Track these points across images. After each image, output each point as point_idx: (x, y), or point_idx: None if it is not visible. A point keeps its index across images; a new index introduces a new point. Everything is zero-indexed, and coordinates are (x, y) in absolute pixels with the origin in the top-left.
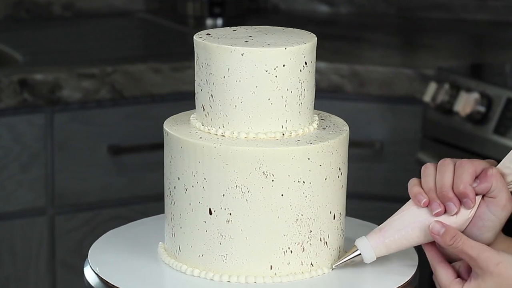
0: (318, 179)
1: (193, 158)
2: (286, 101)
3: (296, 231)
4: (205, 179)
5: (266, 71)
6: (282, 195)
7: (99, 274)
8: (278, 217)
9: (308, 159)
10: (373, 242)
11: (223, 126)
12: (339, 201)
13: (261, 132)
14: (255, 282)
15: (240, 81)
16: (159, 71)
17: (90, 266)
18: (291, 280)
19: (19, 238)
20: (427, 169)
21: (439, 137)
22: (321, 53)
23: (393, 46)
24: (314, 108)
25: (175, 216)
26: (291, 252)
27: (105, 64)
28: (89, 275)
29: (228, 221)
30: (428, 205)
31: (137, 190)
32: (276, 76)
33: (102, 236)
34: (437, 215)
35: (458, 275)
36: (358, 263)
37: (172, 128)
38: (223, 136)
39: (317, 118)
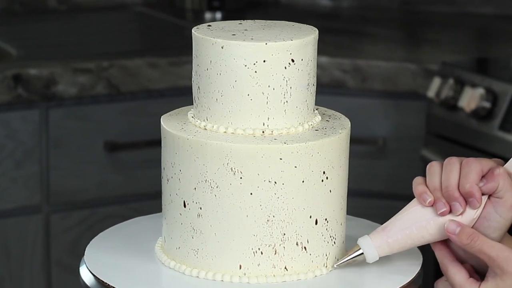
0: (292, 181)
1: (172, 149)
2: (267, 98)
3: (267, 232)
4: (180, 171)
5: (245, 65)
6: (251, 193)
7: (95, 274)
8: (247, 216)
9: (280, 159)
10: (376, 242)
11: (207, 119)
12: (323, 206)
13: (240, 127)
14: (222, 280)
15: (220, 74)
16: (156, 66)
17: (86, 266)
18: (259, 282)
19: (13, 237)
20: (433, 168)
21: (443, 134)
22: (323, 48)
23: (396, 41)
24: (316, 105)
25: (163, 207)
26: (262, 253)
27: (101, 59)
28: (85, 274)
29: (199, 215)
30: (433, 205)
31: (134, 188)
32: (255, 72)
33: (99, 235)
34: (442, 214)
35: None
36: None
37: (166, 118)
38: (205, 129)
39: (318, 118)
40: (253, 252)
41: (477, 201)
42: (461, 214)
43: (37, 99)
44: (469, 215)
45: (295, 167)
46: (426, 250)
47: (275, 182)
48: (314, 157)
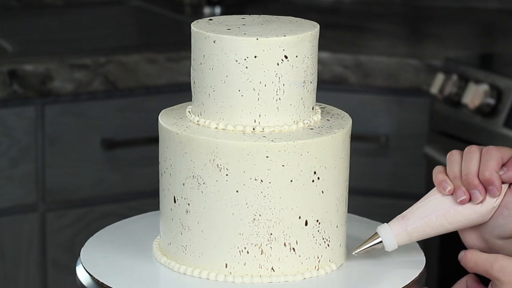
0: (280, 180)
1: (164, 144)
2: (259, 94)
3: (253, 231)
4: (171, 165)
5: (236, 61)
6: (237, 191)
7: (92, 274)
8: (233, 214)
9: (267, 157)
10: (395, 230)
11: (200, 114)
12: (314, 207)
13: (231, 124)
14: (207, 278)
15: (212, 69)
16: (154, 62)
17: (83, 265)
18: (244, 282)
19: (9, 236)
20: (453, 156)
21: (447, 131)
22: (324, 43)
23: (399, 36)
24: (317, 101)
25: (159, 202)
26: (248, 252)
27: (98, 55)
28: (82, 274)
29: (187, 211)
30: (453, 193)
31: (132, 186)
32: (246, 67)
33: (95, 234)
34: (461, 203)
35: None
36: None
37: (164, 112)
38: (198, 124)
39: (317, 117)
40: (239, 251)
41: (497, 189)
42: (481, 202)
43: (33, 96)
44: (489, 204)
45: (283, 165)
46: (429, 250)
47: (262, 181)
48: (304, 156)
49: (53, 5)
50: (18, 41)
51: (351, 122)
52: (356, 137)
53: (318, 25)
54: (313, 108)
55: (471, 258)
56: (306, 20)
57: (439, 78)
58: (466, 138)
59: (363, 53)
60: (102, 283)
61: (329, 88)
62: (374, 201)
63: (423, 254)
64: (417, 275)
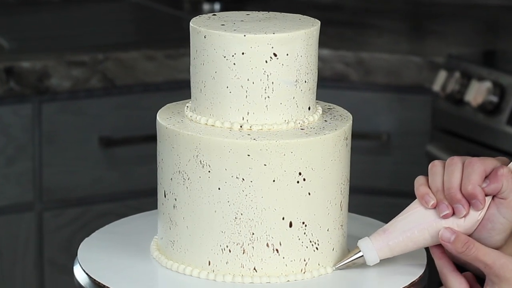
0: (262, 179)
1: (158, 138)
2: (247, 91)
3: (235, 230)
4: (162, 160)
5: (224, 57)
6: (219, 188)
7: (89, 274)
8: (215, 211)
9: (248, 155)
10: (377, 244)
11: (194, 110)
12: (299, 209)
13: (219, 120)
14: (190, 275)
15: (203, 64)
16: (153, 59)
17: (80, 265)
18: (225, 281)
19: (5, 235)
20: (435, 167)
21: (449, 129)
22: (325, 40)
23: (401, 33)
24: (318, 99)
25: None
26: (230, 251)
27: (96, 51)
28: (79, 274)
29: (174, 206)
30: (435, 207)
31: (130, 185)
32: (234, 64)
33: (93, 233)
34: (445, 217)
35: None
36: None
37: (165, 107)
38: (191, 120)
39: (313, 118)
40: (221, 249)
41: (480, 202)
42: (464, 216)
43: (30, 93)
44: (473, 217)
45: (265, 165)
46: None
47: (243, 179)
48: (287, 156)
49: (50, 2)
50: (15, 38)
51: (348, 125)
52: (357, 135)
53: (318, 24)
54: (309, 108)
55: (472, 249)
56: (310, 18)
57: (442, 75)
58: (468, 136)
59: (364, 50)
60: (99, 282)
61: (330, 85)
62: (375, 199)
63: (425, 259)
64: (406, 285)
